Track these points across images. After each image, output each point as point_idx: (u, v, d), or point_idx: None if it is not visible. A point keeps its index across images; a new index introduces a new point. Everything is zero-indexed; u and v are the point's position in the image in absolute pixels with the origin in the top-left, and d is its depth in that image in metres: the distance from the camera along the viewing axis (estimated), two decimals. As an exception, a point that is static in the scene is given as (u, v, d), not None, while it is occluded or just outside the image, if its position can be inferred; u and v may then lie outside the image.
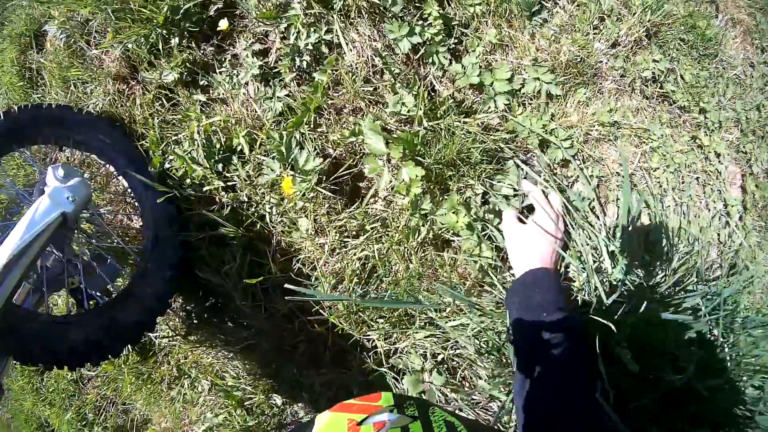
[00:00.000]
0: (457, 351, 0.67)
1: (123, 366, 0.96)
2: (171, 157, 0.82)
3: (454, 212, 0.66)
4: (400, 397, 0.37)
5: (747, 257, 0.98)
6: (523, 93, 0.75)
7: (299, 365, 0.78)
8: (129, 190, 0.84)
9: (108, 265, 0.80)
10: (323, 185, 0.71)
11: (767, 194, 1.02)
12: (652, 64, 0.86)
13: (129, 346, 0.77)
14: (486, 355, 0.61)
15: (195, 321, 0.85)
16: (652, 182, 0.85)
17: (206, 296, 0.81)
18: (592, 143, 0.80)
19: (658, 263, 0.72)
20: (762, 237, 1.02)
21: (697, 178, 0.93)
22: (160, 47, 0.81)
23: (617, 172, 0.79)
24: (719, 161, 0.97)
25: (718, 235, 0.95)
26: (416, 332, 0.67)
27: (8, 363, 0.63)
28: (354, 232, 0.72)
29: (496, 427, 0.56)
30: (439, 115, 0.68)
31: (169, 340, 0.88)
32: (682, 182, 0.89)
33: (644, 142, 0.86)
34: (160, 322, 0.87)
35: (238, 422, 0.88)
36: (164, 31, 0.81)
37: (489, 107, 0.73)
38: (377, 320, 0.68)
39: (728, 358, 0.57)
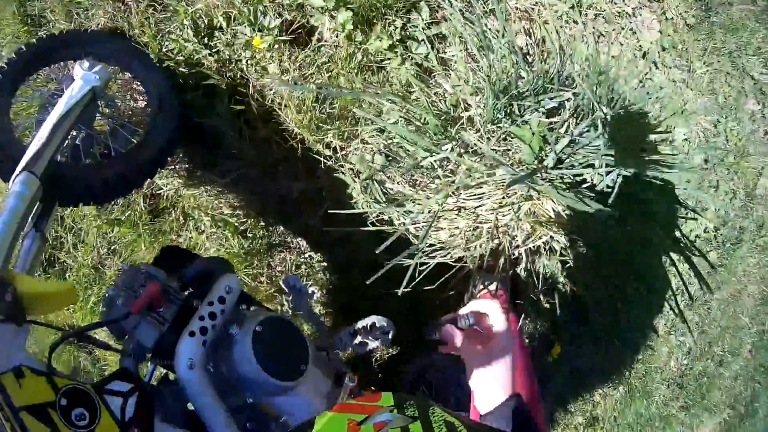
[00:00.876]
0: (397, 141, 1.07)
1: (138, 225, 1.37)
2: (166, 44, 1.22)
3: (379, 39, 1.07)
4: (400, 398, 0.42)
5: (674, 92, 1.38)
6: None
7: (280, 184, 1.19)
8: (134, 79, 1.25)
9: (126, 128, 1.21)
10: (284, 38, 1.11)
11: (686, 38, 1.42)
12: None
13: (148, 179, 1.17)
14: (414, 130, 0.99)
15: (193, 167, 1.26)
16: (549, 14, 1.24)
17: (202, 142, 1.22)
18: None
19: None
20: (689, 76, 1.42)
21: (604, 18, 1.32)
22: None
23: (515, 7, 1.19)
24: (625, 2, 1.36)
25: (636, 67, 1.34)
26: (363, 130, 1.08)
27: (53, 214, 1.02)
28: (310, 69, 1.12)
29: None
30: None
31: (175, 190, 1.29)
32: (586, 16, 1.28)
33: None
34: (166, 176, 1.29)
35: (236, 250, 1.30)
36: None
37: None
38: (332, 126, 1.09)
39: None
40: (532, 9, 1.24)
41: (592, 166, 0.79)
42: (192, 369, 0.64)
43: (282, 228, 1.28)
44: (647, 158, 0.95)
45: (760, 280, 1.77)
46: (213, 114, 1.14)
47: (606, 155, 0.76)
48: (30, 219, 0.87)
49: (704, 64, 1.40)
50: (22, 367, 0.57)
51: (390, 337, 0.81)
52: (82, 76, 1.03)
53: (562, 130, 0.73)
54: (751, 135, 1.52)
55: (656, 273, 1.49)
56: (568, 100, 0.80)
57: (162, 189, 1.31)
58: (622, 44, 1.30)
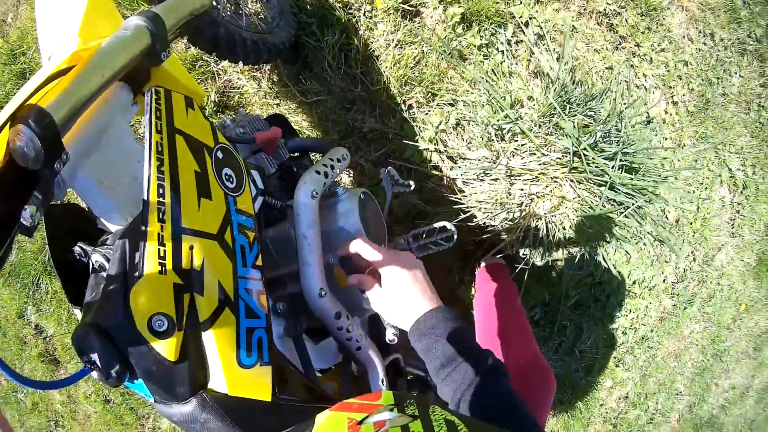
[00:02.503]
0: (465, 117, 1.81)
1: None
2: None
3: (473, 37, 1.84)
4: (400, 396, 0.52)
5: (664, 157, 2.28)
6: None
7: (354, 118, 1.86)
8: None
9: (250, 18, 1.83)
10: (403, 6, 1.84)
11: (684, 120, 2.36)
12: (605, 4, 2.16)
13: (265, 60, 1.65)
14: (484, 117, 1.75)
15: (279, 78, 1.88)
16: (590, 66, 2.12)
17: (299, 60, 1.86)
18: (557, 32, 2.04)
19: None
20: (679, 150, 2.33)
21: (627, 85, 2.23)
22: None
23: (568, 48, 2.05)
24: (645, 80, 2.29)
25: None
26: (441, 99, 1.81)
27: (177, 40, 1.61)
28: (413, 35, 1.84)
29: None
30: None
31: (254, 92, 1.89)
32: (614, 79, 2.17)
33: (590, 44, 2.13)
34: (249, 77, 1.89)
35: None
36: None
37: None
38: (419, 84, 1.80)
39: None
40: (583, 57, 2.11)
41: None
42: (314, 198, 0.87)
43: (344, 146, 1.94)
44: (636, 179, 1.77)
45: (702, 349, 2.69)
46: (321, 40, 1.81)
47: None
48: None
49: (693, 144, 2.35)
50: (194, 100, 0.69)
51: (451, 244, 1.30)
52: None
53: (597, 130, 1.52)
54: (718, 215, 2.48)
55: (617, 302, 2.32)
56: (599, 113, 1.61)
57: (238, 89, 1.92)
58: (635, 109, 2.21)
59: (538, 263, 1.98)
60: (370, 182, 1.88)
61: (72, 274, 0.71)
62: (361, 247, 0.84)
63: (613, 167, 1.52)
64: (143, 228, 0.56)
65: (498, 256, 1.90)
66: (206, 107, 1.88)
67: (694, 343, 2.61)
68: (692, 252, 2.42)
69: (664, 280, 2.37)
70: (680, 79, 2.34)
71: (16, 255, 2.22)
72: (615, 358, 2.39)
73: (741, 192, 2.49)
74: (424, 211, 1.82)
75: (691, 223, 2.34)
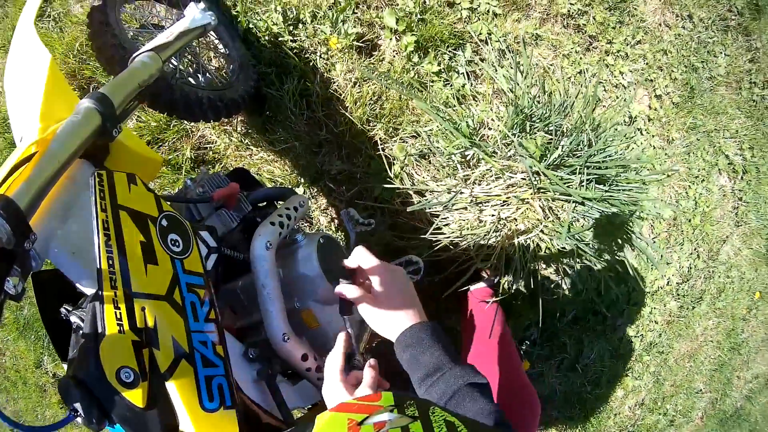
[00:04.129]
0: (426, 145, 1.70)
1: (181, 170, 1.91)
2: (254, 22, 1.84)
3: (430, 64, 1.73)
4: (400, 398, 0.51)
5: (654, 156, 2.10)
6: (478, 10, 1.85)
7: (322, 161, 1.79)
8: (219, 41, 1.85)
9: (210, 73, 1.79)
10: (356, 44, 1.75)
11: (670, 113, 2.17)
12: (568, 5, 2.01)
13: (224, 115, 1.63)
14: (441, 152, 1.64)
15: (247, 131, 1.83)
16: (561, 74, 1.96)
17: (262, 111, 1.80)
18: (521, 43, 1.90)
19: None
20: (668, 145, 2.15)
21: (603, 87, 2.06)
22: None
23: (535, 63, 1.90)
24: (623, 77, 2.11)
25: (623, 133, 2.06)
26: (403, 131, 1.70)
27: (135, 111, 1.58)
28: (371, 70, 1.75)
29: None
30: (426, 10, 1.76)
31: (225, 147, 1.85)
32: (589, 83, 2.01)
33: (558, 50, 1.98)
34: (219, 132, 1.85)
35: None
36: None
37: (457, 15, 1.82)
38: (380, 120, 1.71)
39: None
40: (550, 67, 1.97)
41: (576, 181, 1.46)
42: (268, 249, 0.89)
43: (312, 200, 1.86)
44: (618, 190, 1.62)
45: (717, 345, 2.47)
46: (281, 89, 1.75)
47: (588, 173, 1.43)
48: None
49: (682, 137, 2.16)
50: (137, 176, 0.74)
51: (419, 277, 1.24)
52: (201, 8, 1.49)
53: (559, 146, 1.39)
54: (720, 206, 2.27)
55: (618, 311, 2.15)
56: (560, 127, 1.48)
57: (211, 144, 1.87)
58: (615, 111, 2.04)
59: (523, 285, 1.85)
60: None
61: (61, 332, 0.78)
62: (362, 255, 0.85)
63: (581, 182, 1.38)
64: (101, 293, 0.62)
65: (481, 282, 1.78)
66: (183, 165, 1.85)
67: (708, 340, 2.40)
68: (695, 249, 2.23)
69: (667, 283, 2.19)
70: (661, 70, 2.15)
71: (29, 309, 2.27)
72: (623, 367, 2.23)
73: (741, 177, 2.28)
74: (400, 246, 1.73)
75: (689, 220, 2.15)
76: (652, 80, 2.13)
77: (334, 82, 1.75)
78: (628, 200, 1.51)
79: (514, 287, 1.66)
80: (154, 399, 0.62)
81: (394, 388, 0.77)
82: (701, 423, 2.53)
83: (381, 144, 1.74)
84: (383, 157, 1.71)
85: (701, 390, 2.46)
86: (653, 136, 2.09)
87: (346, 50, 1.74)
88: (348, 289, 0.82)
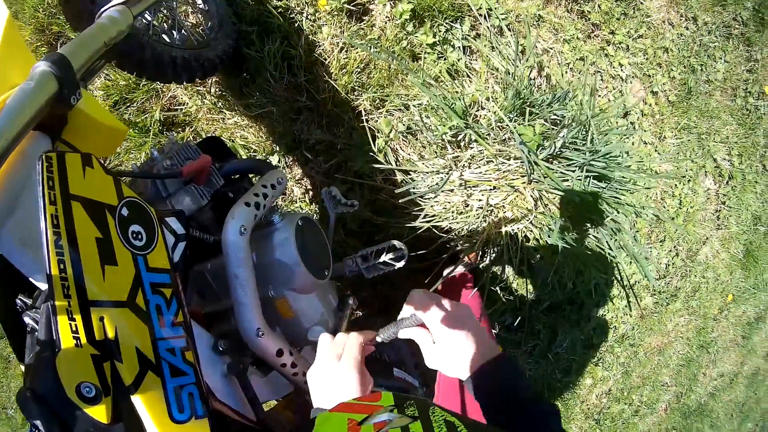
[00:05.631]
0: (416, 119, 1.54)
1: (148, 132, 1.70)
2: None
3: (425, 35, 1.55)
4: (400, 398, 0.49)
5: (644, 152, 1.97)
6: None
7: (300, 129, 1.61)
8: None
9: (186, 30, 1.58)
10: (348, 6, 1.55)
11: (664, 111, 2.04)
12: (574, -11, 1.83)
13: (198, 76, 1.46)
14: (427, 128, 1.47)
15: (222, 93, 1.63)
16: (559, 59, 1.81)
17: (240, 73, 1.60)
18: (522, 23, 1.73)
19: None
20: (659, 143, 2.03)
21: (601, 76, 1.92)
22: None
23: (535, 45, 1.73)
24: (621, 69, 1.97)
25: (616, 122, 1.93)
26: (391, 103, 1.53)
27: (102, 71, 1.37)
28: (360, 38, 1.56)
29: None
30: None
31: (196, 109, 1.65)
32: (587, 70, 1.85)
33: (559, 34, 1.82)
34: (192, 94, 1.65)
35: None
36: None
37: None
38: (366, 90, 1.53)
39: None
40: (549, 50, 1.80)
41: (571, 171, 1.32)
42: (242, 235, 0.77)
43: (287, 170, 1.69)
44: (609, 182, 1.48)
45: (687, 342, 2.42)
46: (261, 50, 1.55)
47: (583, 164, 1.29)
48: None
49: (674, 136, 2.03)
50: (94, 157, 0.61)
51: (402, 263, 1.11)
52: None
53: (558, 137, 1.23)
54: (703, 208, 2.18)
55: (594, 303, 2.06)
56: (563, 118, 1.32)
57: (182, 106, 1.67)
58: (609, 100, 1.89)
59: (504, 272, 1.73)
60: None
61: (18, 326, 0.65)
62: (421, 300, 0.76)
63: (578, 177, 1.24)
64: (52, 303, 0.53)
65: (461, 267, 1.65)
66: (151, 128, 1.65)
67: (679, 336, 2.34)
68: (675, 247, 2.14)
69: (644, 278, 2.09)
70: (660, 67, 2.01)
71: None
72: (594, 357, 2.15)
73: (727, 182, 2.18)
74: (379, 223, 1.58)
75: (673, 219, 2.05)
76: (650, 76, 2.00)
77: (320, 46, 1.56)
78: (622, 201, 1.38)
79: (493, 274, 1.53)
80: (119, 414, 0.55)
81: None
82: (665, 415, 2.50)
83: (366, 115, 1.57)
84: (367, 129, 1.54)
85: (667, 383, 2.42)
86: (645, 130, 1.96)
87: (336, 13, 1.55)
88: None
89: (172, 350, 0.62)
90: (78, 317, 0.53)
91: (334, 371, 0.69)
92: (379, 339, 0.79)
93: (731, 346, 2.58)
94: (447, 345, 0.72)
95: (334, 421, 0.47)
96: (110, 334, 0.56)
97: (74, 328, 0.53)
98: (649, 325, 2.22)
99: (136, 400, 0.57)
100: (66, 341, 0.52)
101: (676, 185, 2.04)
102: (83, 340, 0.53)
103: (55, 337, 0.52)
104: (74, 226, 0.55)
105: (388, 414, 0.46)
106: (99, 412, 0.53)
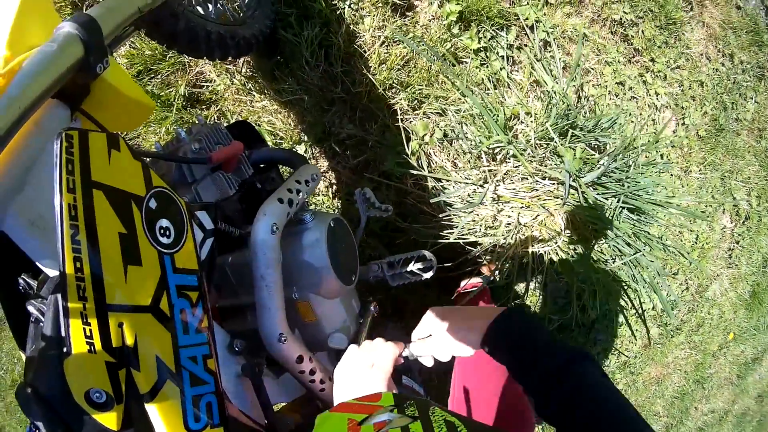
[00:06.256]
0: (453, 127, 1.48)
1: (172, 107, 1.62)
2: None
3: (470, 39, 1.49)
4: (400, 398, 0.49)
5: (668, 182, 1.93)
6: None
7: (331, 121, 1.54)
8: None
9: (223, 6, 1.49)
10: (391, 0, 1.49)
11: (693, 145, 2.01)
12: (622, 13, 1.79)
13: (233, 56, 1.39)
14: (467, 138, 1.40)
15: (253, 75, 1.56)
16: (599, 80, 1.76)
17: (274, 55, 1.53)
18: (566, 39, 1.68)
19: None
20: (684, 175, 1.99)
21: (637, 103, 1.87)
22: None
23: (578, 64, 1.68)
24: (657, 98, 1.93)
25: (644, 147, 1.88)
26: (429, 106, 1.47)
27: (130, 38, 1.29)
28: (402, 34, 1.50)
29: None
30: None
31: (225, 87, 1.57)
32: (624, 95, 1.81)
33: (601, 56, 1.77)
34: (221, 72, 1.57)
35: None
36: None
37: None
38: (405, 89, 1.47)
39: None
40: (591, 70, 1.75)
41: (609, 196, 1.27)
42: (273, 234, 0.71)
43: (313, 162, 1.61)
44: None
45: (684, 375, 2.39)
46: (299, 34, 1.48)
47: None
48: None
49: (699, 171, 2.00)
50: (121, 138, 0.54)
51: (430, 274, 1.06)
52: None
53: (599, 164, 1.18)
54: (718, 245, 2.15)
55: (602, 328, 2.02)
56: (605, 145, 1.27)
57: (210, 83, 1.59)
58: (643, 128, 1.85)
59: (521, 289, 1.68)
60: (347, 188, 1.57)
61: (18, 305, 0.58)
62: (435, 322, 0.75)
63: (615, 209, 1.19)
64: (65, 303, 0.46)
65: (476, 278, 1.60)
66: (174, 103, 1.56)
67: (677, 369, 2.32)
68: (686, 281, 2.10)
69: (653, 308, 2.06)
70: (694, 100, 1.98)
71: None
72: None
73: (743, 222, 2.15)
74: (401, 227, 1.51)
75: (688, 252, 2.01)
76: (683, 108, 1.96)
77: (360, 38, 1.49)
78: (651, 235, 1.33)
79: (511, 289, 1.48)
80: (130, 421, 0.51)
81: None
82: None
83: (401, 115, 1.50)
84: (401, 129, 1.47)
85: (659, 413, 2.40)
86: (672, 162, 1.92)
87: (380, 4, 1.48)
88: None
89: (194, 358, 0.57)
90: (93, 321, 0.48)
91: (365, 378, 0.67)
92: (406, 353, 0.77)
93: (725, 384, 2.57)
94: (447, 327, 0.72)
95: (334, 420, 0.47)
96: (129, 342, 0.50)
97: (88, 333, 0.47)
98: (651, 355, 2.19)
99: (151, 408, 0.52)
100: (78, 346, 0.47)
101: (694, 220, 2.01)
102: (98, 346, 0.48)
103: (63, 335, 0.47)
104: (95, 219, 0.48)
105: (388, 414, 0.45)
106: (109, 419, 0.49)
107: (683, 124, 1.98)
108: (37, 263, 0.55)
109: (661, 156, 1.90)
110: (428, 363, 0.77)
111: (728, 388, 2.59)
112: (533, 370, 0.62)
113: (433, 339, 0.73)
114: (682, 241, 2.01)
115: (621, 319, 2.00)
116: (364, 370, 0.68)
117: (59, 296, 0.47)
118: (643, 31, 1.83)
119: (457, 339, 0.71)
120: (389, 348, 0.71)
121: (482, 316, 0.71)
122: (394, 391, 0.66)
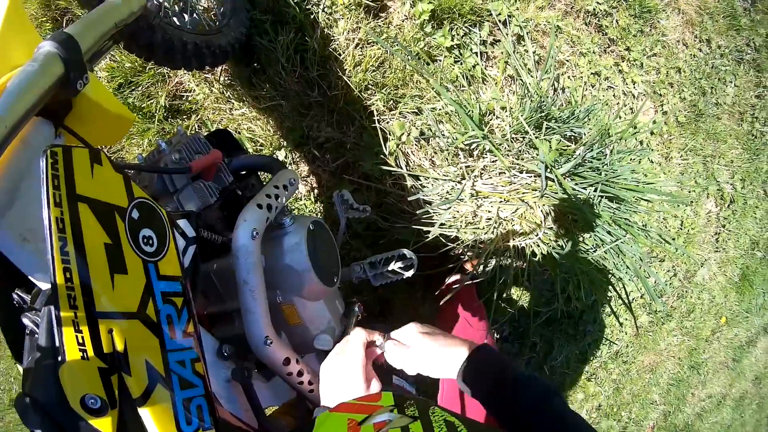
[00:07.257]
0: (429, 125, 1.47)
1: (153, 118, 1.62)
2: None
3: (443, 37, 1.48)
4: (400, 398, 0.48)
5: (650, 170, 1.93)
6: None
7: (309, 125, 1.53)
8: None
9: (198, 15, 1.49)
10: (366, 1, 1.49)
11: (673, 131, 2.00)
12: (595, 3, 1.78)
13: (208, 64, 1.39)
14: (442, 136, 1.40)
15: (230, 83, 1.56)
16: (575, 72, 1.75)
17: (251, 62, 1.53)
18: (540, 32, 1.68)
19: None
20: (665, 162, 1.99)
21: (613, 92, 1.87)
22: None
23: (551, 56, 1.68)
24: (634, 87, 1.92)
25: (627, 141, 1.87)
26: (404, 106, 1.47)
27: (109, 53, 1.29)
28: (377, 34, 1.50)
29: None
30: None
31: (204, 97, 1.57)
32: (600, 85, 1.81)
33: (576, 47, 1.77)
34: (199, 81, 1.57)
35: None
36: None
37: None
38: (380, 90, 1.46)
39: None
40: (566, 62, 1.75)
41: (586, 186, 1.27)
42: (254, 239, 0.72)
43: (293, 167, 1.61)
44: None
45: (678, 362, 2.38)
46: (274, 40, 1.48)
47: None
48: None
49: (681, 157, 1.99)
50: (103, 152, 0.55)
51: (411, 272, 1.06)
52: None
53: (575, 155, 1.18)
54: (703, 230, 2.14)
55: (591, 318, 2.01)
56: (580, 135, 1.27)
57: (189, 93, 1.59)
58: (621, 117, 1.85)
59: (506, 284, 1.67)
60: (328, 192, 1.57)
61: (14, 320, 0.60)
62: (412, 335, 0.75)
63: (594, 198, 1.18)
64: (57, 312, 0.49)
65: (463, 275, 1.59)
66: (156, 114, 1.56)
67: (671, 356, 2.31)
68: (673, 267, 2.10)
69: (641, 296, 2.05)
70: (672, 87, 1.97)
71: None
72: (587, 372, 2.11)
73: (728, 206, 2.15)
74: (383, 228, 1.51)
75: (673, 239, 2.00)
76: (661, 95, 1.96)
77: (335, 41, 1.49)
78: (632, 222, 1.32)
79: (496, 285, 1.47)
80: (125, 426, 0.53)
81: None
82: (651, 433, 2.46)
83: (378, 116, 1.50)
84: (379, 130, 1.47)
85: (656, 401, 2.38)
86: (652, 150, 1.92)
87: (353, 7, 1.48)
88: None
89: (183, 362, 0.59)
90: (85, 329, 0.49)
91: (339, 364, 0.69)
92: (379, 343, 0.76)
93: (721, 368, 2.55)
94: (426, 347, 0.73)
95: (334, 421, 0.46)
96: (119, 347, 0.52)
97: (80, 341, 0.49)
98: (643, 344, 2.18)
99: (144, 412, 0.54)
100: (71, 353, 0.49)
101: (678, 206, 2.00)
102: (90, 353, 0.50)
103: (57, 345, 0.49)
104: (81, 231, 0.50)
105: (388, 414, 0.45)
106: (104, 424, 0.51)
107: (662, 111, 1.97)
108: (29, 276, 0.57)
109: (641, 143, 1.89)
110: (411, 372, 0.77)
111: (724, 372, 2.58)
112: (510, 406, 0.64)
113: (410, 352, 0.74)
114: (666, 227, 2.01)
115: (610, 309, 2.00)
116: (336, 357, 0.70)
117: (52, 307, 0.49)
118: (617, 21, 1.83)
119: (432, 363, 0.72)
120: (357, 332, 0.73)
121: (462, 344, 0.72)
122: (375, 378, 0.68)
